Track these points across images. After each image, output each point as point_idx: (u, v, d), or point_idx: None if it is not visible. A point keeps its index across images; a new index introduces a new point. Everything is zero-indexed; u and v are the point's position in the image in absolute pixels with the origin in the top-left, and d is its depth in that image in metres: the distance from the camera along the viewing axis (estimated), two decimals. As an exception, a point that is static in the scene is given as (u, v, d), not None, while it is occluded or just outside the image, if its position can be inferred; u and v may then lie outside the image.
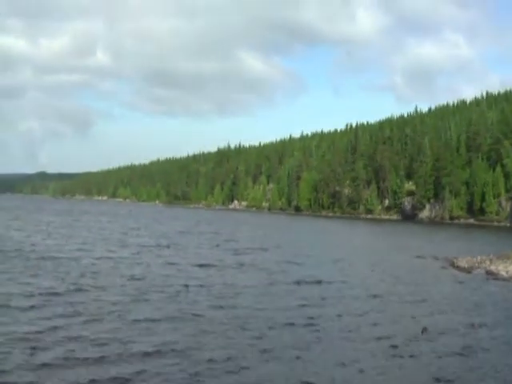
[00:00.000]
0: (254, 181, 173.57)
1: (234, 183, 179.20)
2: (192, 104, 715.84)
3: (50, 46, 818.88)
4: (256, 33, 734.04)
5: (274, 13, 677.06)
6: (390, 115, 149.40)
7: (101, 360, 11.94)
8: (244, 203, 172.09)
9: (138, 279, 22.52)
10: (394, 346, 14.04)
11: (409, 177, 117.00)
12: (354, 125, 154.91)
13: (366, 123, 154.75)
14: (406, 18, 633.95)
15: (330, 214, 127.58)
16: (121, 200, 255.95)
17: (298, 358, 12.86)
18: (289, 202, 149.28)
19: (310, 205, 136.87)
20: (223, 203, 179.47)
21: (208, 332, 14.51)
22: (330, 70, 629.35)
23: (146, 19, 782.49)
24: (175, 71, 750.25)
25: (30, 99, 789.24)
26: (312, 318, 16.84)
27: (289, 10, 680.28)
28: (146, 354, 12.40)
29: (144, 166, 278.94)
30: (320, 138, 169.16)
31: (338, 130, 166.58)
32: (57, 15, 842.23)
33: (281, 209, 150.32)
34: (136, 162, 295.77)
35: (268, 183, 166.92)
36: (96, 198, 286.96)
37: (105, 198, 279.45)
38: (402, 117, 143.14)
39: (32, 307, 16.14)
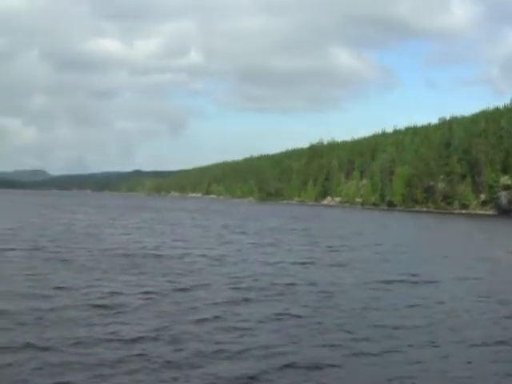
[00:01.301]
0: (347, 176, 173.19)
1: (326, 179, 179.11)
2: (284, 100, 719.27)
3: (145, 47, 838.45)
4: (347, 28, 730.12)
5: (365, 7, 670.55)
6: (485, 108, 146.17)
7: (216, 357, 11.85)
8: (337, 199, 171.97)
9: (239, 277, 22.40)
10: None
11: (505, 171, 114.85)
12: (447, 118, 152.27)
13: (459, 116, 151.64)
14: (501, 6, 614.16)
15: (424, 209, 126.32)
16: (214, 197, 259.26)
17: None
18: (382, 198, 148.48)
19: (403, 200, 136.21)
20: (316, 199, 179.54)
21: (311, 334, 14.00)
22: (422, 64, 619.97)
23: (238, 18, 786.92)
24: (267, 69, 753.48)
25: (125, 99, 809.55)
26: (428, 319, 16.02)
27: (381, 3, 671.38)
28: (252, 356, 12.02)
29: (237, 162, 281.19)
30: (413, 132, 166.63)
31: (432, 124, 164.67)
32: (151, 17, 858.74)
33: (374, 204, 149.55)
34: (229, 159, 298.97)
35: (361, 178, 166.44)
36: (190, 195, 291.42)
37: (199, 195, 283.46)
38: (497, 109, 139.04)
39: (137, 307, 16.16)
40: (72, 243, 32.92)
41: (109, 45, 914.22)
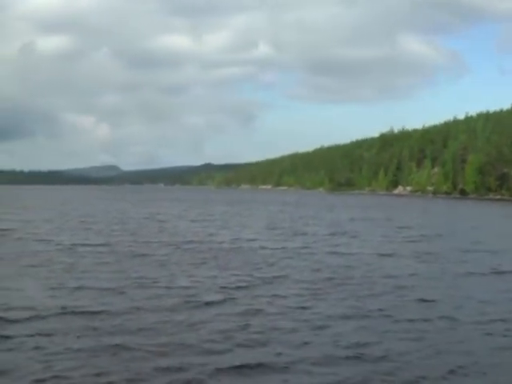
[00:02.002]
0: (418, 165, 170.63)
1: (397, 168, 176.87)
2: (353, 90, 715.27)
3: (214, 42, 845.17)
4: (417, 15, 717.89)
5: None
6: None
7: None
8: (408, 188, 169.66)
9: (316, 269, 21.99)
10: None
11: None
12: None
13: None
14: None
15: (498, 197, 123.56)
16: (285, 188, 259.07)
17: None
18: (454, 186, 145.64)
19: (476, 188, 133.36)
20: (387, 188, 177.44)
21: (395, 332, 13.33)
22: (494, 48, 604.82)
23: (306, 8, 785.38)
24: (336, 58, 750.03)
25: (195, 94, 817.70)
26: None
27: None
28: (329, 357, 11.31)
29: (307, 153, 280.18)
30: (485, 118, 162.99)
31: (504, 110, 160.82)
32: (219, 11, 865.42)
33: (446, 193, 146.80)
34: (299, 151, 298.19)
35: (432, 167, 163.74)
36: (261, 187, 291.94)
37: (269, 186, 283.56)
38: None
39: (218, 302, 15.87)
40: (149, 237, 33.20)
41: (178, 40, 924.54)
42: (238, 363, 10.71)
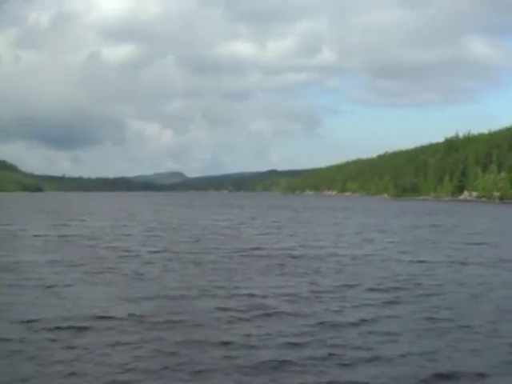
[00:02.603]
0: (484, 170, 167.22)
1: (463, 173, 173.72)
2: (418, 94, 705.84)
3: (277, 48, 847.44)
4: (482, 16, 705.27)
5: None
6: None
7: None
8: (474, 194, 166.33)
9: (384, 277, 21.43)
10: None
11: None
12: None
13: None
14: None
15: None
16: (349, 194, 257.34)
17: None
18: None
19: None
20: (452, 194, 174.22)
21: (466, 339, 12.92)
22: None
23: (369, 12, 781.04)
24: (400, 63, 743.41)
25: (259, 100, 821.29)
26: None
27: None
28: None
29: (372, 159, 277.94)
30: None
31: None
32: (282, 17, 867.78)
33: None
34: (363, 156, 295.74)
35: (499, 172, 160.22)
36: (325, 193, 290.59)
37: (333, 192, 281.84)
38: None
39: (285, 310, 15.44)
40: (215, 244, 33.06)
41: (242, 47, 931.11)
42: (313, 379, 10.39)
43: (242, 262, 25.66)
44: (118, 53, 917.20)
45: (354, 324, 14.21)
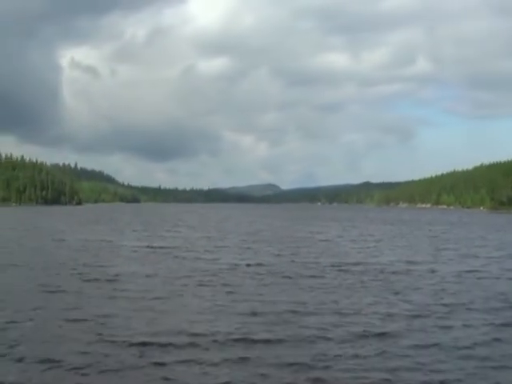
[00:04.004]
0: None
1: None
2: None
3: (372, 59, 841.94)
4: None
5: None
6: None
7: None
8: None
9: (492, 298, 19.82)
10: None
11: None
12: None
13: None
14: None
15: None
16: (444, 207, 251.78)
17: None
18: None
19: None
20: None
21: None
22: None
23: (465, 21, 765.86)
24: (496, 72, 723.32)
25: (353, 112, 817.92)
26: None
27: None
28: None
29: (467, 171, 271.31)
30: None
31: None
32: (377, 27, 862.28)
33: None
34: (459, 168, 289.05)
35: None
36: (419, 205, 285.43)
37: (428, 205, 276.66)
38: None
39: (392, 333, 14.41)
40: (310, 258, 32.21)
41: (336, 58, 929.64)
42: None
43: (340, 277, 24.68)
44: (213, 65, 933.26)
45: (468, 347, 13.15)
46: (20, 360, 11.75)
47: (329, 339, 13.66)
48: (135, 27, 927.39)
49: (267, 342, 13.36)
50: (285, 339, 13.58)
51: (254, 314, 16.40)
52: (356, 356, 12.28)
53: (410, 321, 15.86)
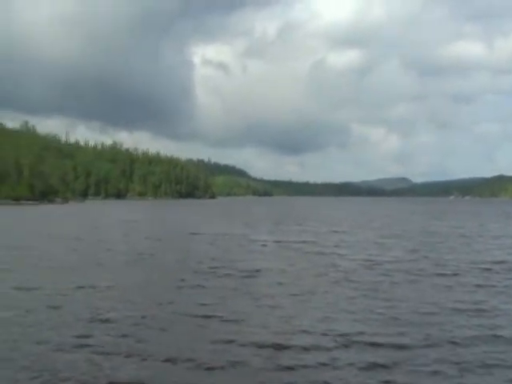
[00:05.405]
0: None
1: None
2: None
3: (506, 46, 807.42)
4: None
5: None
6: None
7: None
8: None
9: None
10: None
11: None
12: None
13: None
14: None
15: None
16: None
17: None
18: None
19: None
20: None
21: None
22: None
23: None
24: None
25: (486, 102, 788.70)
26: None
27: None
28: None
29: None
30: None
31: None
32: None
33: None
34: None
35: None
36: None
37: None
38: None
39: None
40: (451, 254, 30.32)
41: (469, 47, 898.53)
42: None
43: (481, 275, 22.91)
44: (343, 59, 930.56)
45: None
46: (146, 358, 11.44)
47: (470, 344, 12.43)
48: (266, 22, 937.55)
49: (402, 346, 12.33)
50: (419, 343, 12.47)
51: (387, 315, 15.30)
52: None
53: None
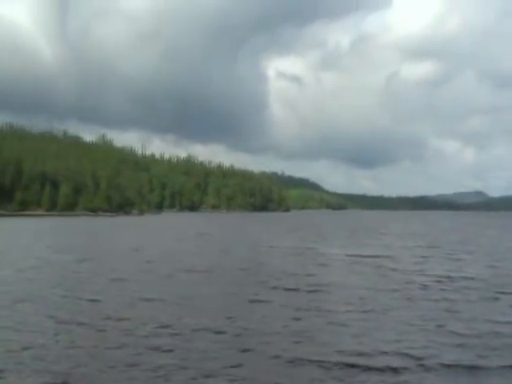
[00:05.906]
0: None
1: None
2: None
3: None
4: None
5: None
6: None
7: None
8: None
9: None
10: None
11: None
12: None
13: None
14: None
15: None
16: None
17: None
18: None
19: None
20: None
21: None
22: None
23: None
24: None
25: None
26: None
27: None
28: None
29: None
30: None
31: None
32: None
33: None
34: None
35: None
36: None
37: None
38: None
39: None
40: None
41: None
42: None
43: None
44: (417, 71, 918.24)
45: None
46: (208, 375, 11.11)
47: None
48: (339, 35, 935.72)
49: (480, 368, 11.66)
50: (498, 365, 11.79)
51: (464, 335, 14.53)
52: None
53: None
